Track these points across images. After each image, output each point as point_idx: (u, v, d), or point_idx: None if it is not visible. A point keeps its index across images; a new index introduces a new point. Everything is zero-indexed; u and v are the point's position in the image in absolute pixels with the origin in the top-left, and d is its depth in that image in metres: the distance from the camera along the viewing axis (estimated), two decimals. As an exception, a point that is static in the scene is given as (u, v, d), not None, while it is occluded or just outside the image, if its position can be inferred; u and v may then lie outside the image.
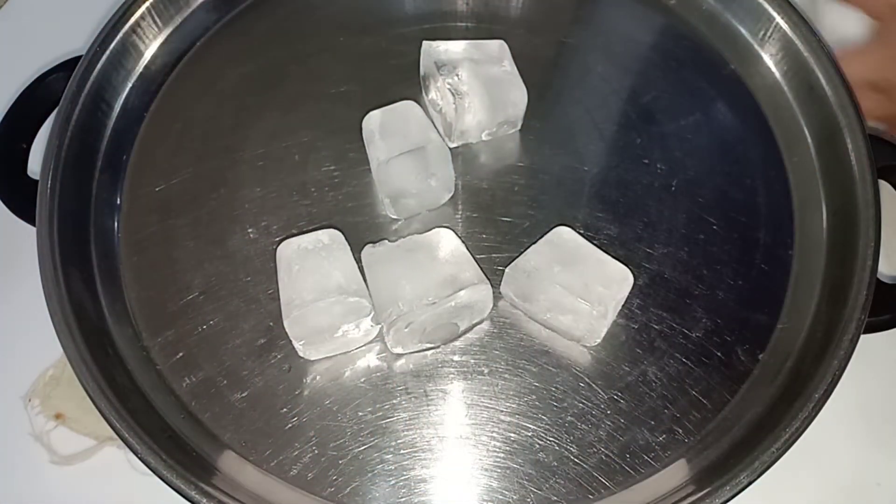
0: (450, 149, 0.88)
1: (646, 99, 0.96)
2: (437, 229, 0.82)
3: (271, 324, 0.84)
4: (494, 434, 0.80)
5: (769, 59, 0.97)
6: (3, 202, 0.89)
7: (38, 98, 0.93)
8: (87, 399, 0.77)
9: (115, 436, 0.76)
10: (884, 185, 0.91)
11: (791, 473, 0.86)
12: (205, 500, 0.74)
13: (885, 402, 0.94)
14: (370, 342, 0.84)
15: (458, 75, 0.87)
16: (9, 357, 0.96)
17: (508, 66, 0.90)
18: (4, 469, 0.92)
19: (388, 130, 0.86)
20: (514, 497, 0.78)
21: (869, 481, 0.92)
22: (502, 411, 0.81)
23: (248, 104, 0.95)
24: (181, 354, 0.83)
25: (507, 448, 0.80)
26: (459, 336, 0.84)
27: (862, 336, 0.81)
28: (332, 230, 0.82)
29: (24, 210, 0.87)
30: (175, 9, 0.98)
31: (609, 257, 0.81)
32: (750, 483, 0.75)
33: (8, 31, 1.15)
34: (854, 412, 0.93)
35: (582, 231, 0.85)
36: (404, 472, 0.79)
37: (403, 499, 0.78)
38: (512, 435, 0.80)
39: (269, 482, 0.79)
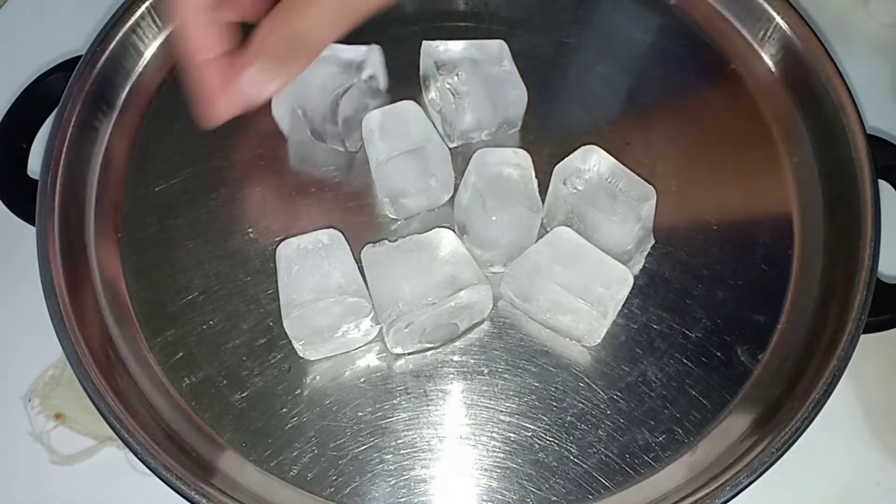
0: (449, 149, 0.88)
1: (646, 99, 0.96)
2: (436, 229, 0.82)
3: (271, 324, 0.84)
4: (494, 434, 0.80)
5: (769, 59, 0.98)
6: (3, 202, 0.89)
7: (38, 98, 0.94)
8: (87, 399, 0.78)
9: (115, 436, 0.76)
10: (884, 185, 0.91)
11: (791, 473, 0.86)
12: (204, 501, 0.74)
13: (884, 402, 0.94)
14: (370, 342, 0.84)
15: (457, 75, 0.87)
16: (9, 357, 0.96)
17: (508, 65, 0.90)
18: (4, 469, 0.91)
19: (387, 130, 0.85)
20: (514, 497, 0.78)
21: (869, 481, 0.92)
22: (502, 411, 0.81)
23: (247, 104, 0.95)
24: (181, 354, 0.83)
25: (507, 448, 0.80)
26: (459, 336, 0.84)
27: (862, 336, 0.81)
28: (331, 230, 0.82)
29: (24, 210, 0.87)
30: (175, 8, 0.98)
31: (609, 257, 0.80)
32: (750, 483, 0.75)
33: (8, 31, 1.15)
34: (854, 412, 0.93)
35: (582, 231, 0.85)
36: (404, 473, 0.79)
37: (403, 499, 0.79)
38: (512, 435, 0.80)
39: (269, 482, 0.79)
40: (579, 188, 0.83)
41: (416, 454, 0.80)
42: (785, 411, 0.78)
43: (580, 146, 0.84)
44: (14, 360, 0.95)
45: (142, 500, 0.89)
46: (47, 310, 0.81)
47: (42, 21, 1.16)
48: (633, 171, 0.83)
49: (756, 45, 0.98)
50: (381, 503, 0.78)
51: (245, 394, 0.82)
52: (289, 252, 0.81)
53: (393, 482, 0.79)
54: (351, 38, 0.86)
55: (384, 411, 0.81)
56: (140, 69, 0.97)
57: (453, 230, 0.83)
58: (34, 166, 0.90)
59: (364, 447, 0.80)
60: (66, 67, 0.94)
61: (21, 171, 0.92)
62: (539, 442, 0.80)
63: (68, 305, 0.81)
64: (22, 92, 0.95)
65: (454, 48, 0.90)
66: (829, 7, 1.12)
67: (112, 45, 0.93)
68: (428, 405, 0.81)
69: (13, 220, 0.88)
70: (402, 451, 0.80)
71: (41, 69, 0.96)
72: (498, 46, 0.91)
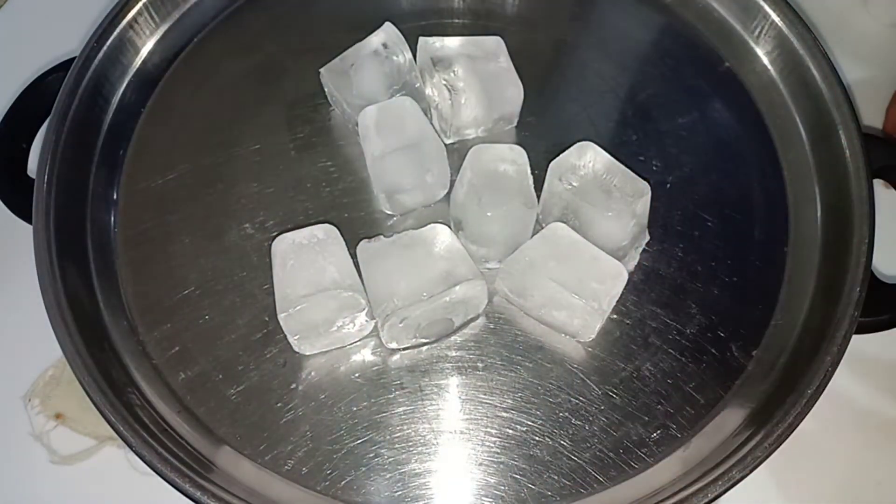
0: (445, 145, 0.88)
1: (642, 96, 0.96)
2: (432, 225, 0.83)
3: (267, 319, 0.84)
4: (489, 429, 0.81)
5: (764, 56, 0.98)
6: (3, 202, 0.90)
7: (38, 98, 0.94)
8: (87, 398, 0.78)
9: (115, 435, 0.77)
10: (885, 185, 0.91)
11: (791, 472, 0.87)
12: (199, 493, 0.74)
13: (885, 401, 0.94)
14: (365, 337, 0.84)
15: (454, 71, 0.88)
16: (9, 357, 0.96)
17: (504, 62, 0.90)
18: (4, 469, 0.92)
19: (383, 126, 0.86)
20: (509, 492, 0.79)
21: (869, 480, 0.91)
22: (497, 406, 0.81)
23: (244, 100, 0.96)
24: (177, 349, 0.84)
25: (502, 443, 0.80)
26: (454, 332, 0.84)
27: (861, 335, 0.81)
28: (327, 225, 0.83)
29: (24, 210, 0.87)
30: (172, 5, 0.99)
31: (604, 253, 0.80)
32: (742, 478, 0.75)
33: (8, 32, 1.15)
34: (854, 411, 0.93)
35: (578, 226, 0.85)
36: (399, 467, 0.79)
37: (398, 493, 0.79)
38: (507, 430, 0.80)
39: (265, 476, 0.79)
40: (574, 184, 0.83)
41: (411, 449, 0.80)
42: (778, 407, 0.78)
43: (576, 143, 0.84)
44: (14, 360, 0.96)
45: (142, 499, 0.90)
46: (45, 308, 0.81)
47: (41, 22, 1.16)
48: (629, 168, 0.83)
49: (751, 43, 0.99)
50: (376, 497, 0.78)
51: (240, 388, 0.82)
52: (283, 247, 0.81)
53: (388, 476, 0.79)
54: (343, 34, 0.88)
55: (379, 406, 0.81)
56: (137, 65, 0.97)
57: (449, 226, 0.83)
58: (34, 166, 0.89)
59: (359, 441, 0.80)
60: (66, 68, 0.94)
61: (21, 171, 0.93)
62: (534, 437, 0.80)
63: (64, 300, 0.81)
64: (22, 92, 0.95)
65: (451, 44, 0.90)
66: (828, 6, 1.12)
67: (109, 42, 0.94)
68: (423, 400, 0.82)
69: (14, 220, 0.89)
70: (397, 446, 0.80)
71: (41, 69, 0.96)
72: (495, 43, 0.91)
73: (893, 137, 1.02)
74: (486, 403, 0.81)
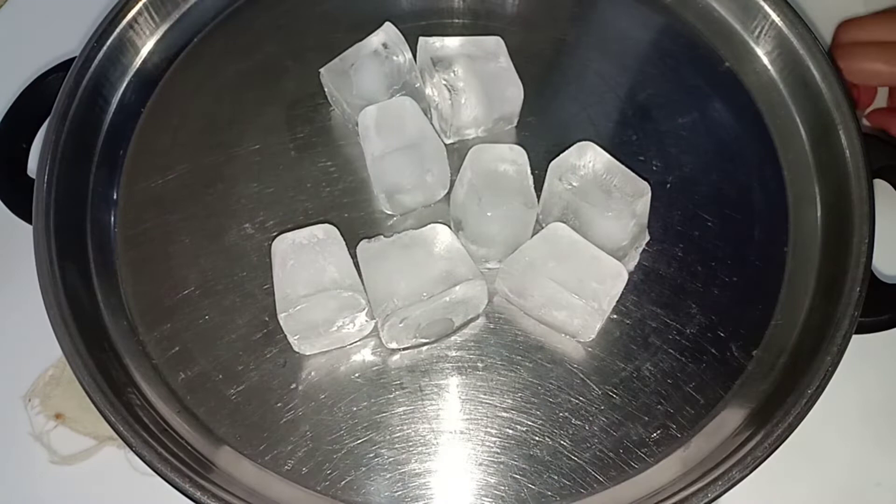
0: (445, 145, 0.87)
1: (642, 96, 0.96)
2: (432, 225, 0.82)
3: (267, 319, 0.84)
4: (489, 429, 0.81)
5: (764, 56, 0.97)
6: (3, 202, 0.90)
7: (37, 98, 0.94)
8: (87, 398, 0.78)
9: (115, 435, 0.77)
10: (884, 185, 0.91)
11: (791, 473, 0.87)
12: (199, 494, 0.74)
13: (885, 402, 0.94)
14: (365, 337, 0.84)
15: (454, 71, 0.88)
16: (9, 357, 0.96)
17: (504, 62, 0.90)
18: (4, 469, 0.92)
19: (383, 126, 0.86)
20: (509, 492, 0.79)
21: (869, 481, 0.91)
22: (497, 406, 0.81)
23: (244, 100, 0.96)
24: (177, 349, 0.84)
25: (502, 443, 0.80)
26: (454, 332, 0.84)
27: (862, 335, 0.81)
28: (327, 225, 0.83)
29: (25, 210, 0.87)
30: (172, 5, 0.98)
31: (604, 253, 0.80)
32: (742, 478, 0.75)
33: (8, 32, 1.15)
34: (854, 412, 0.93)
35: (578, 226, 0.85)
36: (399, 467, 0.79)
37: (398, 493, 0.79)
38: (507, 430, 0.80)
39: (265, 476, 0.79)
40: (574, 184, 0.83)
41: (411, 449, 0.80)
42: (778, 407, 0.78)
43: (576, 143, 0.84)
44: (14, 360, 0.96)
45: (142, 500, 0.90)
46: (45, 308, 0.81)
47: (41, 22, 1.16)
48: (629, 168, 0.83)
49: (751, 43, 0.98)
50: (376, 497, 0.79)
51: (240, 388, 0.82)
52: (283, 247, 0.81)
53: (388, 476, 0.79)
54: (344, 34, 0.88)
55: (379, 406, 0.81)
56: (137, 65, 0.97)
57: (449, 226, 0.83)
58: (34, 166, 0.89)
59: (359, 442, 0.80)
60: (66, 68, 0.93)
61: (21, 171, 0.92)
62: (534, 437, 0.80)
63: (64, 299, 0.81)
64: (22, 92, 0.95)
65: (451, 44, 0.90)
66: (828, 6, 1.12)
67: (109, 42, 0.94)
68: (423, 400, 0.82)
69: (14, 221, 0.89)
70: (397, 446, 0.80)
71: (41, 69, 0.96)
72: (495, 43, 0.91)
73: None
74: (486, 403, 0.81)
